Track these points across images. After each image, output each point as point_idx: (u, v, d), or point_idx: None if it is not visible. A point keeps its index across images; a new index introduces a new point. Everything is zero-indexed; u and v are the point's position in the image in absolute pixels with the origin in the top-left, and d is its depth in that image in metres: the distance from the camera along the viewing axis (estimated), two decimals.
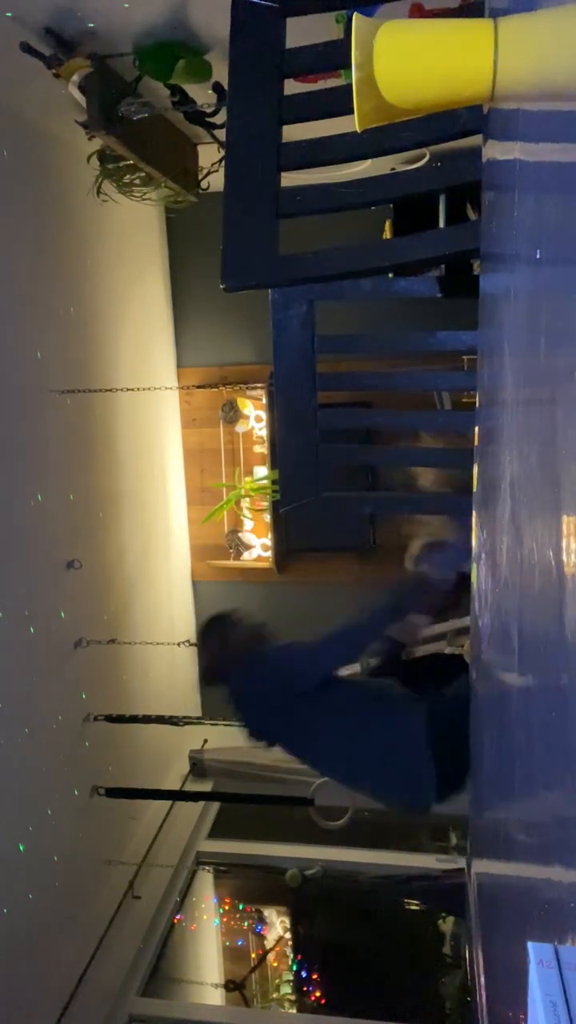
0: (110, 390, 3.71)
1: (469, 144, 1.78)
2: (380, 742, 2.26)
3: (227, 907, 4.07)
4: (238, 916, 4.03)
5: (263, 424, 4.55)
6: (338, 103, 1.78)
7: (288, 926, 4.01)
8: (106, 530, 3.81)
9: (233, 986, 3.51)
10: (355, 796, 3.36)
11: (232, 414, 4.60)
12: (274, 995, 3.70)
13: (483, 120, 1.58)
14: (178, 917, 3.77)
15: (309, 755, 2.50)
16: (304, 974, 3.71)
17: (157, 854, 3.82)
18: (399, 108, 0.71)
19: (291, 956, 3.85)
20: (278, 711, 2.33)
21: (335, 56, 1.80)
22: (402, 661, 2.75)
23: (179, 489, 4.73)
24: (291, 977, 3.74)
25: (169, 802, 4.02)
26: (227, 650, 2.40)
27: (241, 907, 4.06)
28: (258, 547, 4.70)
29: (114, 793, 3.51)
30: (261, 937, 3.93)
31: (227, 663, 2.40)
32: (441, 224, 3.62)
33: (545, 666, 0.72)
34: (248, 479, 4.63)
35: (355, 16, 0.70)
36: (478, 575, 1.76)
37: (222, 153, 2.48)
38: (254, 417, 4.63)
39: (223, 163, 1.84)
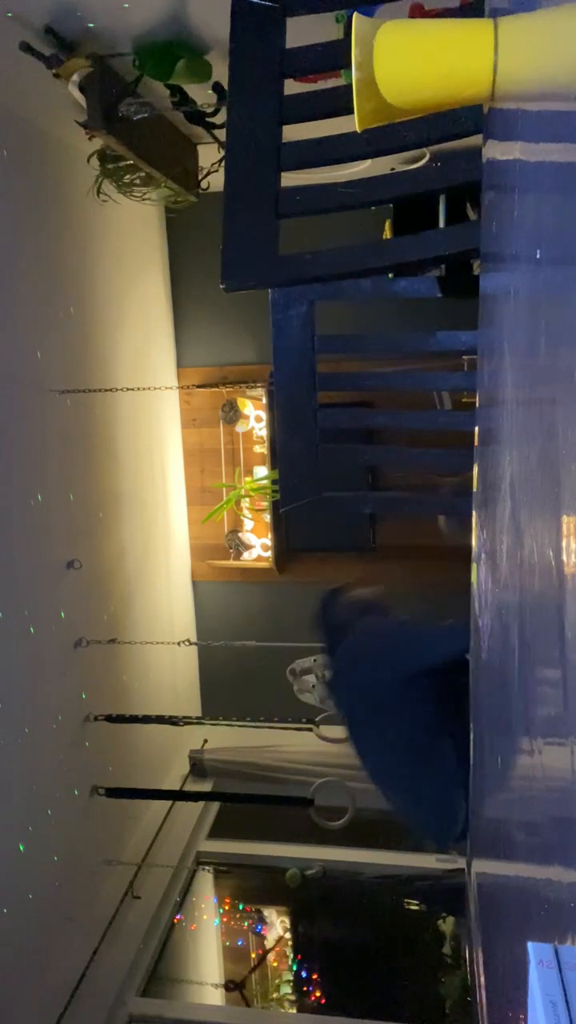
0: (110, 390, 3.70)
1: (469, 144, 1.78)
2: (422, 776, 2.19)
3: (227, 907, 4.07)
4: (238, 916, 4.03)
5: (263, 424, 4.55)
6: (338, 103, 1.78)
7: (288, 926, 4.01)
8: (106, 530, 3.81)
9: (233, 986, 3.51)
10: (355, 796, 3.37)
11: (232, 414, 4.60)
12: (274, 995, 3.70)
13: (483, 120, 1.58)
14: (178, 917, 3.77)
15: (364, 756, 2.40)
16: (304, 974, 3.71)
17: (157, 854, 3.82)
18: (399, 108, 0.71)
19: (291, 956, 3.85)
20: (370, 686, 2.24)
21: (335, 56, 1.80)
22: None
23: (179, 489, 4.73)
24: (291, 977, 3.74)
25: (169, 802, 4.02)
26: (346, 613, 2.37)
27: (241, 907, 4.06)
28: (258, 547, 4.70)
29: (114, 793, 3.51)
30: (261, 937, 3.93)
31: (342, 623, 2.36)
32: (441, 224, 3.62)
33: (545, 666, 0.72)
34: (248, 479, 4.63)
35: (355, 16, 0.70)
36: (478, 575, 1.76)
37: (222, 153, 2.48)
38: (254, 417, 4.63)
39: (223, 163, 1.84)
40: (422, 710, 2.20)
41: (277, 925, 4.00)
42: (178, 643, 3.98)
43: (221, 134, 2.93)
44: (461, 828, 2.09)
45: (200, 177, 3.48)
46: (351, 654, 2.31)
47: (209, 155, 3.31)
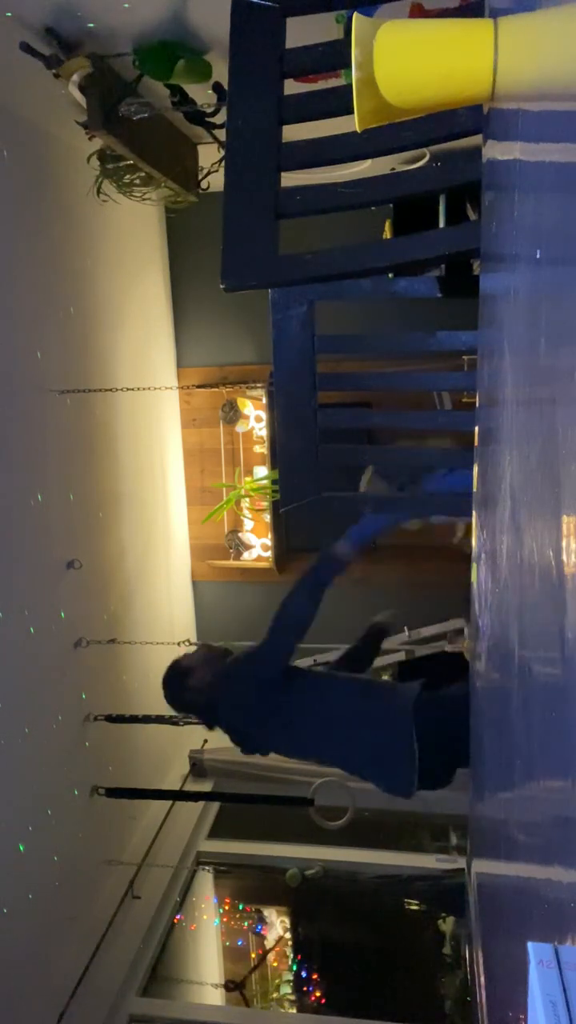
0: (110, 390, 3.70)
1: (469, 144, 1.78)
2: (365, 735, 2.32)
3: (227, 907, 4.07)
4: (238, 916, 4.03)
5: (263, 424, 4.55)
6: (338, 103, 1.78)
7: (288, 926, 4.00)
8: (106, 530, 3.81)
9: (233, 986, 3.51)
10: (355, 796, 3.37)
11: (232, 414, 4.60)
12: (274, 995, 3.70)
13: (483, 120, 1.58)
14: (178, 917, 3.77)
15: (301, 751, 2.57)
16: (304, 974, 3.70)
17: (157, 854, 3.82)
18: (399, 108, 0.71)
19: (291, 956, 3.85)
20: (258, 719, 2.37)
21: (335, 56, 1.80)
22: (405, 662, 2.78)
23: (179, 489, 4.73)
24: (291, 977, 3.74)
25: (169, 802, 4.02)
26: (194, 689, 2.41)
27: (241, 907, 4.06)
28: (258, 547, 4.70)
29: (114, 793, 3.51)
30: (261, 937, 3.93)
31: (198, 700, 2.43)
32: (441, 224, 3.62)
33: (545, 666, 0.72)
34: (248, 479, 4.63)
35: (355, 16, 0.70)
36: (478, 575, 1.76)
37: (222, 153, 2.48)
38: (254, 417, 4.63)
39: (223, 163, 1.84)
40: (324, 691, 2.38)
41: (277, 925, 4.00)
42: (178, 643, 3.98)
43: (221, 134, 2.93)
44: (418, 774, 2.24)
45: (200, 177, 3.48)
46: (223, 701, 2.39)
47: (209, 155, 3.31)
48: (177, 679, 2.46)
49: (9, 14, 2.38)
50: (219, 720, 2.44)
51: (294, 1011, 3.60)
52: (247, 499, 4.65)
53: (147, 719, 3.68)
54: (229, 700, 2.39)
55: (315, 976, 3.67)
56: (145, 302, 4.29)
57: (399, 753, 2.23)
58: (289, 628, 2.38)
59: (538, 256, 0.82)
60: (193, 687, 2.42)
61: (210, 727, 2.54)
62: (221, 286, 1.80)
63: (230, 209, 1.77)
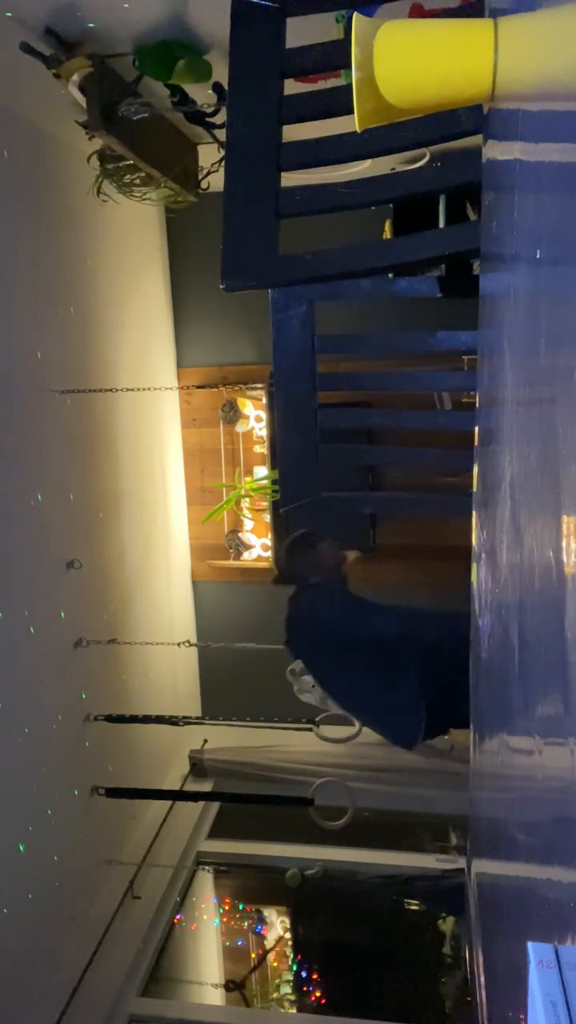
0: (110, 390, 3.70)
1: (469, 144, 1.78)
2: (381, 683, 2.77)
3: (227, 907, 4.07)
4: (238, 916, 4.03)
5: (263, 424, 4.55)
6: (338, 103, 1.78)
7: (288, 926, 4.00)
8: (106, 530, 3.81)
9: (233, 986, 3.51)
10: (354, 796, 3.38)
11: (232, 414, 4.60)
12: (274, 995, 3.70)
13: (483, 120, 1.58)
14: (178, 917, 3.77)
15: (321, 675, 2.98)
16: (304, 974, 3.70)
17: (157, 854, 3.82)
18: (399, 108, 0.71)
19: (291, 956, 3.85)
20: (317, 637, 2.84)
21: (335, 56, 1.80)
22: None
23: (179, 489, 4.73)
24: (291, 977, 3.73)
25: (169, 802, 4.02)
26: (312, 565, 2.92)
27: (241, 907, 4.06)
28: (258, 547, 4.70)
29: (114, 793, 3.51)
30: (261, 937, 3.93)
31: (306, 575, 2.92)
32: (441, 224, 3.62)
33: (545, 666, 0.72)
34: (248, 479, 4.63)
35: (355, 16, 0.70)
36: (478, 575, 1.76)
37: (222, 153, 2.48)
38: (254, 417, 4.63)
39: (223, 163, 1.84)
40: (376, 645, 2.81)
41: (277, 925, 4.00)
42: (178, 644, 3.98)
43: (221, 134, 2.93)
44: (423, 726, 2.71)
45: (200, 177, 3.48)
46: (315, 601, 2.90)
47: (209, 155, 3.31)
48: (310, 545, 2.95)
49: (9, 14, 2.38)
50: (296, 603, 2.91)
51: (294, 1011, 3.60)
52: (247, 499, 4.65)
53: (147, 719, 3.68)
54: (316, 610, 2.84)
55: (315, 976, 3.67)
56: (145, 302, 4.29)
57: (408, 705, 2.67)
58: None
59: (538, 256, 0.82)
60: (307, 561, 2.91)
61: (279, 583, 3.06)
62: (221, 286, 1.80)
63: (230, 209, 1.77)
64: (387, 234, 3.86)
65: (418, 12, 2.26)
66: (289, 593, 2.91)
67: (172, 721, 3.66)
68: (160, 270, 4.50)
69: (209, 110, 2.88)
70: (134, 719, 3.65)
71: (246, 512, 4.69)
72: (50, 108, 2.95)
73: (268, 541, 4.62)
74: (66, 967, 3.14)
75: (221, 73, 2.18)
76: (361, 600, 2.94)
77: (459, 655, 2.20)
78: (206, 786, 4.31)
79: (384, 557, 4.36)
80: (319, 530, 3.04)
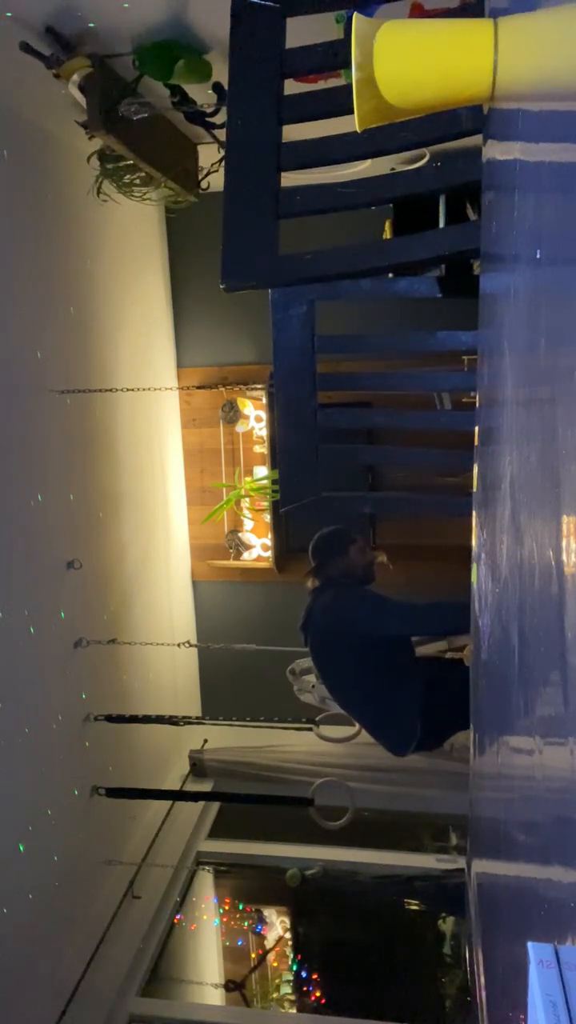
0: (110, 390, 3.70)
1: (469, 144, 1.78)
2: (382, 692, 2.86)
3: (227, 907, 4.07)
4: (238, 916, 4.03)
5: (263, 424, 4.55)
6: (338, 103, 1.78)
7: (288, 926, 4.00)
8: (106, 530, 3.81)
9: (233, 986, 3.51)
10: (354, 796, 3.37)
11: (232, 414, 4.60)
12: (274, 995, 3.70)
13: (483, 120, 1.58)
14: (178, 917, 3.77)
15: (325, 672, 3.06)
16: (304, 974, 3.70)
17: (157, 854, 3.82)
18: (399, 108, 0.71)
19: (291, 956, 3.85)
20: (333, 637, 2.89)
21: (335, 56, 1.80)
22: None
23: (179, 489, 4.73)
24: (291, 977, 3.73)
25: (169, 802, 4.02)
26: (343, 564, 2.99)
27: (241, 907, 4.06)
28: (258, 547, 4.70)
29: (114, 793, 3.51)
30: (261, 937, 3.93)
31: (335, 573, 2.99)
32: (441, 224, 3.62)
33: (545, 666, 0.72)
34: (248, 479, 4.63)
35: (355, 16, 0.70)
36: (478, 575, 1.76)
37: (222, 153, 2.48)
38: (254, 417, 4.63)
39: (223, 163, 1.84)
40: (387, 654, 2.90)
41: (277, 925, 4.00)
42: (178, 644, 3.98)
43: (221, 134, 2.93)
44: (416, 741, 2.84)
45: (200, 177, 3.48)
46: (340, 602, 2.94)
47: (209, 155, 3.31)
48: (342, 543, 3.02)
49: (9, 14, 2.38)
50: (322, 596, 2.96)
51: (294, 1011, 3.60)
52: (247, 499, 4.64)
53: (147, 719, 3.68)
54: (341, 608, 2.90)
55: (315, 976, 3.67)
56: (145, 302, 4.29)
57: (407, 717, 2.75)
58: (412, 622, 2.91)
59: (538, 256, 0.82)
60: (338, 559, 2.98)
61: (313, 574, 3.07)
62: (221, 286, 1.80)
63: (230, 209, 1.77)
64: (387, 234, 3.86)
65: (418, 12, 2.26)
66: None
67: (172, 721, 3.66)
68: (160, 270, 4.50)
69: (209, 110, 2.88)
70: (134, 719, 3.65)
71: (246, 512, 4.69)
72: (50, 108, 2.95)
73: (268, 541, 4.62)
74: (66, 967, 3.14)
75: (221, 73, 2.18)
76: (384, 606, 2.97)
77: (463, 675, 2.21)
78: (206, 786, 4.31)
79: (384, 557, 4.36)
80: (353, 528, 3.12)
